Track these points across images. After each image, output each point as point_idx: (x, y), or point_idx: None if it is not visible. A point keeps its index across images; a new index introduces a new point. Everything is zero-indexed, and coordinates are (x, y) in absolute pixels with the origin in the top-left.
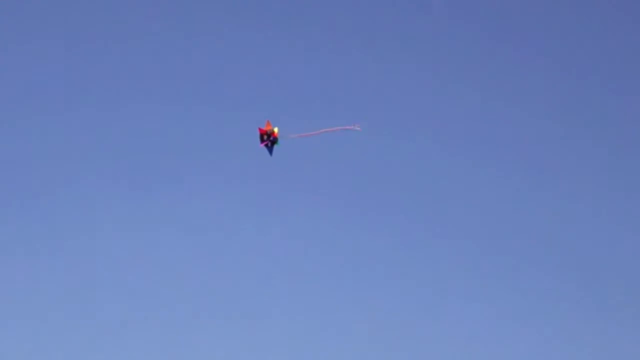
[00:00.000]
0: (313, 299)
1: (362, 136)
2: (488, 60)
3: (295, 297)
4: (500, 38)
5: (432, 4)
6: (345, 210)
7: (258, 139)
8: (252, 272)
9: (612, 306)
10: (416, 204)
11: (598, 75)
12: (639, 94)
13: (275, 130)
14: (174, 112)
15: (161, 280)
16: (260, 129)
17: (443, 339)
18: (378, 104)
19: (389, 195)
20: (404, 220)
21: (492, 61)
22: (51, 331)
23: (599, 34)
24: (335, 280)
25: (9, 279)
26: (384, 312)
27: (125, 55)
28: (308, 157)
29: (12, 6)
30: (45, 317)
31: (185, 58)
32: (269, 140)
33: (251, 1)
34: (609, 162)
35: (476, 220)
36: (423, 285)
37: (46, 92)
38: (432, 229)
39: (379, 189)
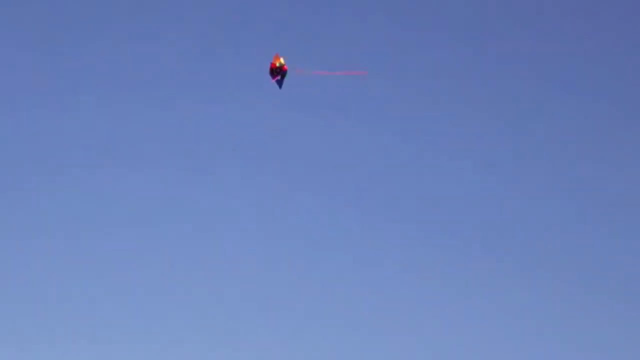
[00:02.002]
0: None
1: (368, 80)
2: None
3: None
4: None
5: None
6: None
7: (269, 75)
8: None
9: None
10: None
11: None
12: None
13: (282, 60)
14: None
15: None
16: (271, 64)
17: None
18: (387, 49)
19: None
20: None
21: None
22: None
23: None
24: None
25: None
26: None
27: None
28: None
29: None
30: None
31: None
32: (279, 74)
33: None
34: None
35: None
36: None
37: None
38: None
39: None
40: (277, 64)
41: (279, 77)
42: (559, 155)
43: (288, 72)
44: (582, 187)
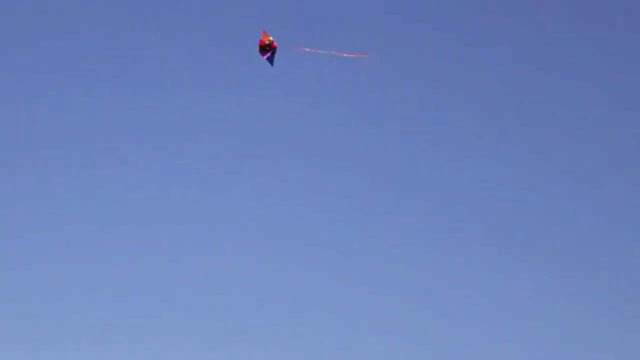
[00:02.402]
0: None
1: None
2: None
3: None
4: None
5: None
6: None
7: (259, 52)
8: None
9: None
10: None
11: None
12: None
13: (271, 38)
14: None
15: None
16: (260, 41)
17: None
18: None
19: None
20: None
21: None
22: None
23: None
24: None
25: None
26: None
27: None
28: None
29: None
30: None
31: None
32: (270, 50)
33: None
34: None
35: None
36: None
37: None
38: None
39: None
40: (267, 41)
41: (269, 55)
42: (570, 154)
43: (288, 52)
44: (588, 186)
